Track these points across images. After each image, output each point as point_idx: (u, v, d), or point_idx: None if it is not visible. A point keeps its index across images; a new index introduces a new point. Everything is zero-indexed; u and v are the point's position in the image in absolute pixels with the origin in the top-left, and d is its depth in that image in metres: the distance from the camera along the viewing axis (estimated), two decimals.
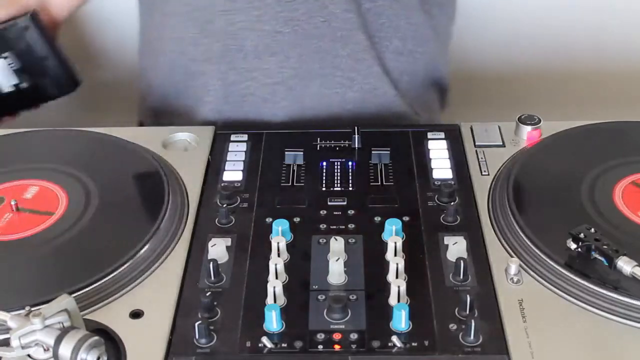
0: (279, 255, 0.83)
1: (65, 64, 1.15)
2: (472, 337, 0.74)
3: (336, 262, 0.81)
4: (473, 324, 0.74)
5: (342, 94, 1.14)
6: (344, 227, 0.88)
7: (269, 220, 0.89)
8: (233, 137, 1.04)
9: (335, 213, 0.90)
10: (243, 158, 1.00)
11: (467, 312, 0.77)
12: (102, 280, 0.81)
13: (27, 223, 0.89)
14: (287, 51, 1.11)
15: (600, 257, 0.80)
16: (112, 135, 1.03)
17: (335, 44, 1.11)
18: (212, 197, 0.94)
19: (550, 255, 0.82)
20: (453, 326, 0.76)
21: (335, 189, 0.95)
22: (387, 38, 1.14)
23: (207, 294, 0.78)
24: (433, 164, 0.98)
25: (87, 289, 0.80)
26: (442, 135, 1.04)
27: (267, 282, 0.79)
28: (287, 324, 0.76)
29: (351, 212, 0.90)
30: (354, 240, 0.86)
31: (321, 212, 0.90)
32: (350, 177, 0.96)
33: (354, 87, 1.14)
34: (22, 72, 1.13)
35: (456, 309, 0.77)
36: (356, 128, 1.04)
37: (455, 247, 0.84)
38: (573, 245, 0.82)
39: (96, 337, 0.70)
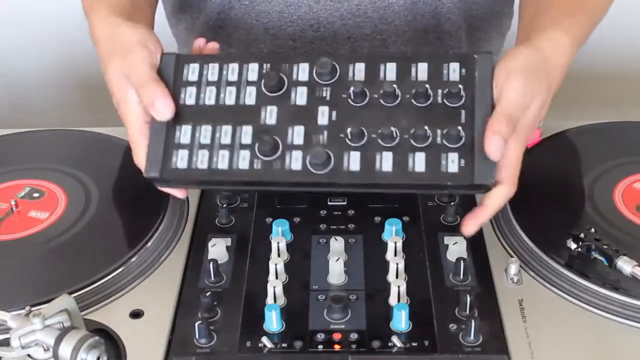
0: (279, 255, 0.83)
1: None
2: (472, 337, 0.74)
3: (336, 262, 0.81)
4: (473, 324, 0.74)
5: None
6: (344, 227, 0.88)
7: (269, 220, 0.89)
8: None
9: (335, 213, 0.90)
10: None
11: (467, 312, 0.77)
12: (102, 280, 0.81)
13: (27, 223, 0.89)
14: None
15: (600, 257, 0.80)
16: (112, 135, 1.03)
17: None
18: (212, 197, 0.93)
19: (550, 255, 0.82)
20: (453, 326, 0.76)
21: None
22: None
23: (207, 294, 0.78)
24: None
25: (87, 289, 0.80)
26: None
27: (267, 282, 0.79)
28: (287, 324, 0.76)
29: (351, 212, 0.90)
30: (354, 240, 0.86)
31: (321, 212, 0.90)
32: None
33: None
34: None
35: (456, 309, 0.77)
36: None
37: (455, 247, 0.84)
38: (573, 245, 0.82)
39: (96, 337, 0.70)
